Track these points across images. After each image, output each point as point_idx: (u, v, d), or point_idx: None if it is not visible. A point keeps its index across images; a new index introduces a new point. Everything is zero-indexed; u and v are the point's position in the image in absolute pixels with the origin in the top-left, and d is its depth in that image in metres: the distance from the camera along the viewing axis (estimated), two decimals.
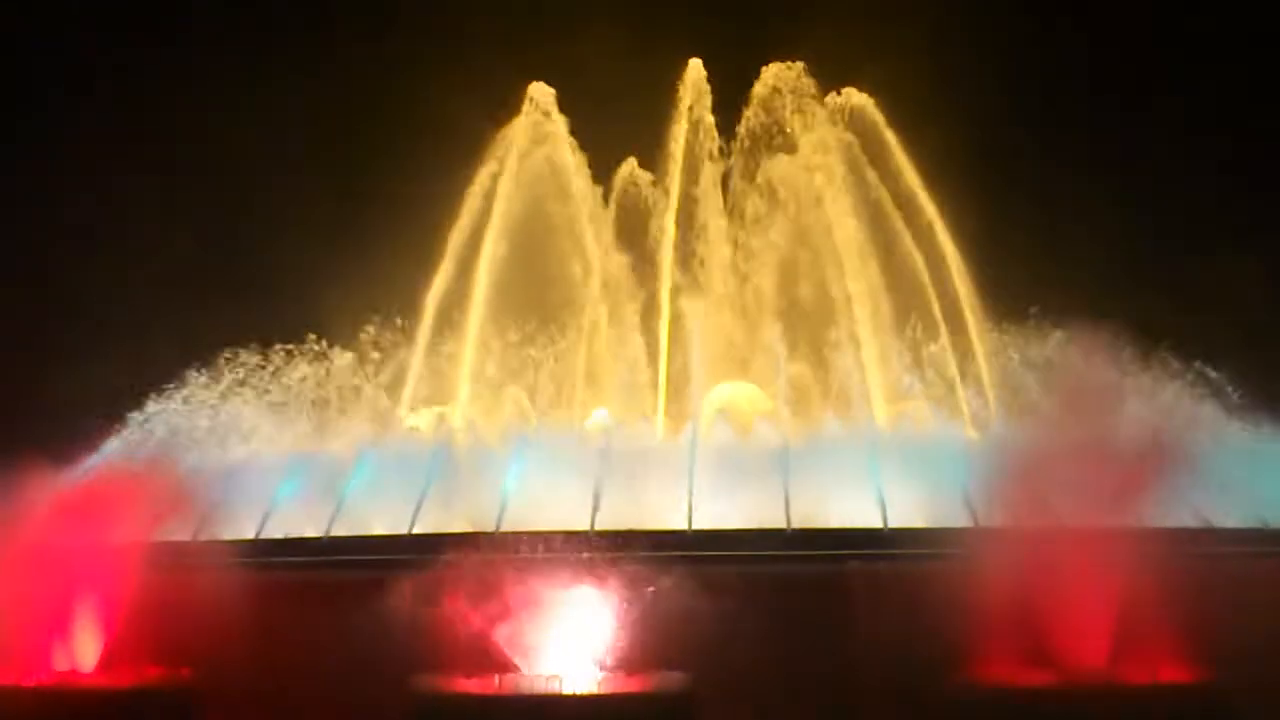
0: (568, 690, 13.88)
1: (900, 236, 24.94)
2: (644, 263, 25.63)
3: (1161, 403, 16.72)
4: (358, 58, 28.83)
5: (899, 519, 17.04)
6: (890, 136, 25.75)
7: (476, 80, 26.21)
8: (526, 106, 26.30)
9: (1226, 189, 27.13)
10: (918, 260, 24.71)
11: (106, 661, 15.10)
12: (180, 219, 27.93)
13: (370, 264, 24.69)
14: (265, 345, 21.95)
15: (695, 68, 26.79)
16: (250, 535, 16.14)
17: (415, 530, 15.76)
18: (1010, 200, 24.80)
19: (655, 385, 24.59)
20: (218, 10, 30.40)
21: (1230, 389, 19.15)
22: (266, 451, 19.55)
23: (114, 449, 18.22)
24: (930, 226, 25.12)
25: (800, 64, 26.63)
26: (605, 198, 26.33)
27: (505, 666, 14.08)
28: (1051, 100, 28.09)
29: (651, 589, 14.29)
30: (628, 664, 14.13)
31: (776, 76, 26.68)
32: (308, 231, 26.22)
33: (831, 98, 26.51)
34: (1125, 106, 28.35)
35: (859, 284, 24.47)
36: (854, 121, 26.12)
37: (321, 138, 28.38)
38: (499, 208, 25.92)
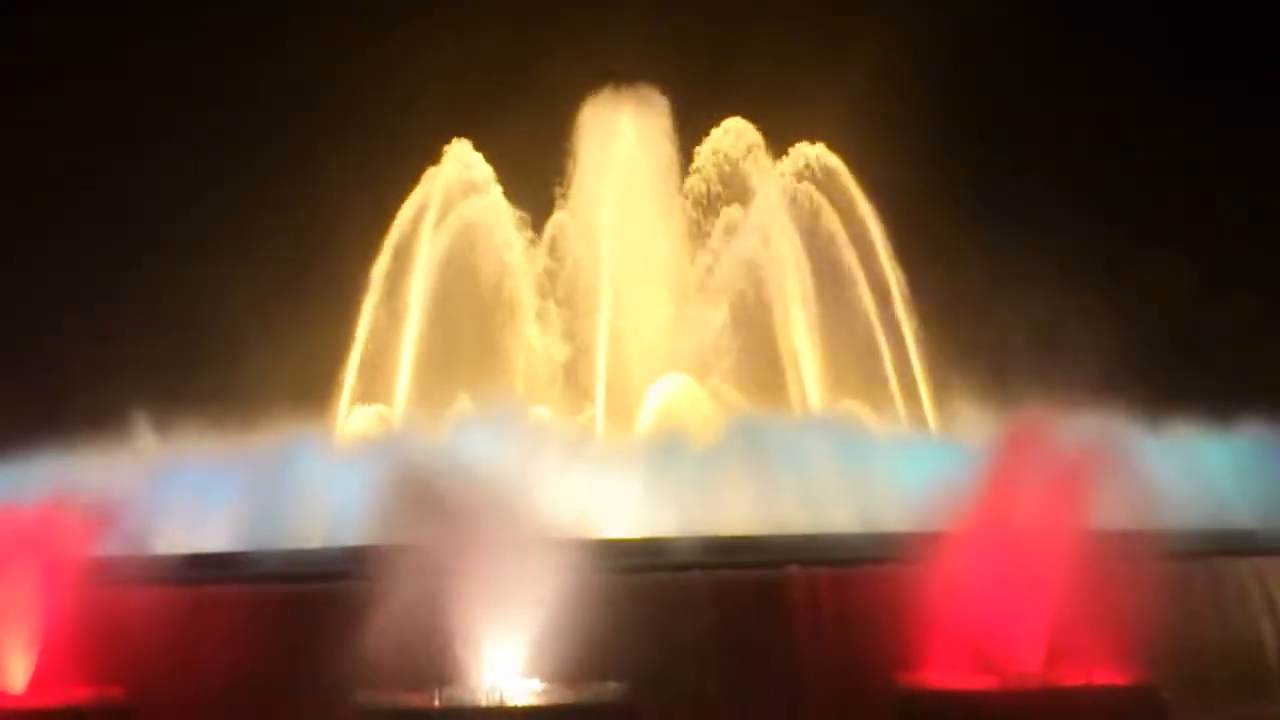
0: (508, 702, 14.29)
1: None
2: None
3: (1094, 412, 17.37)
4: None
5: (841, 522, 17.67)
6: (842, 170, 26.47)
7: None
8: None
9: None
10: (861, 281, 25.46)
11: (36, 682, 15.34)
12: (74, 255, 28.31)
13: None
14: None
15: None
16: (181, 548, 16.44)
17: (351, 542, 16.12)
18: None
19: (594, 384, 25.09)
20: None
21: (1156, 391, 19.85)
22: (196, 453, 19.86)
23: (44, 461, 18.48)
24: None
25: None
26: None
27: (445, 680, 14.46)
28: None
29: (591, 598, 14.70)
30: (566, 675, 14.56)
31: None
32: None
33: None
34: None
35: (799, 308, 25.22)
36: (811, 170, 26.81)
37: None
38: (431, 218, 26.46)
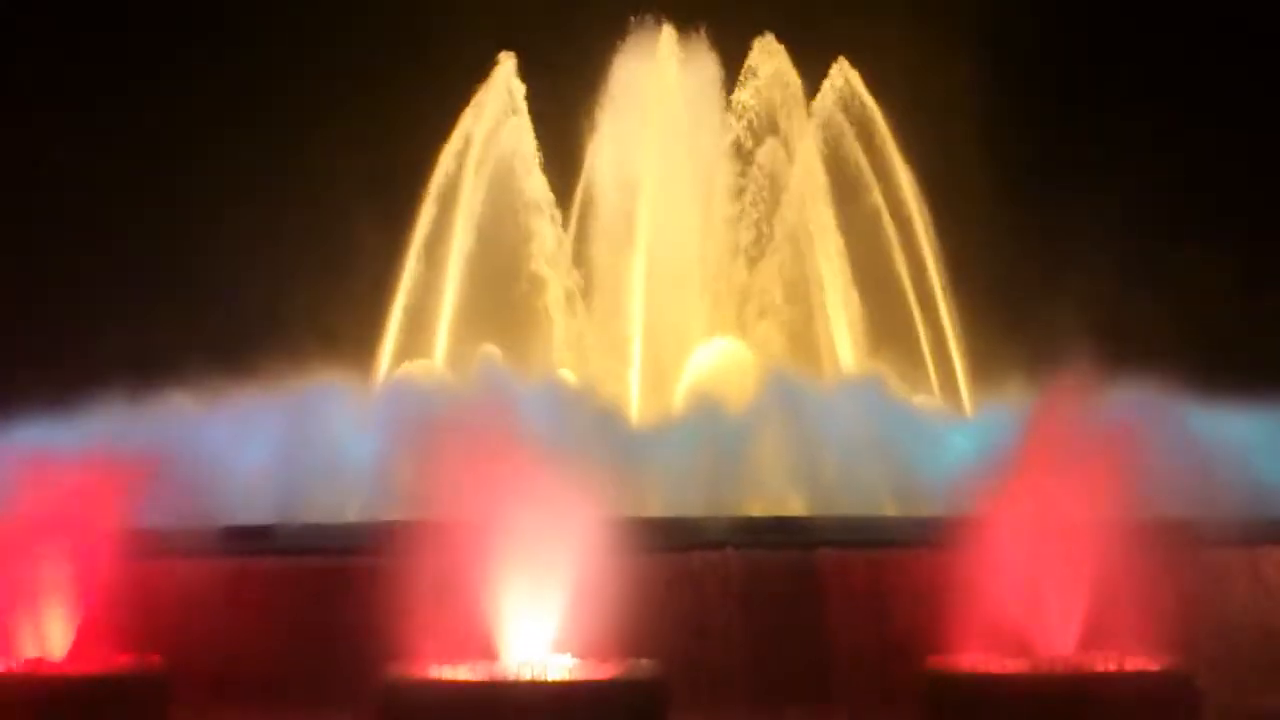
0: (539, 677, 14.61)
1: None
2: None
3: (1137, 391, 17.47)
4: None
5: (876, 501, 17.94)
6: (873, 107, 26.49)
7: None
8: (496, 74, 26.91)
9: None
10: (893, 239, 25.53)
11: (76, 649, 15.78)
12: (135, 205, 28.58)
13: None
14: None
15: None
16: (224, 519, 16.83)
17: (390, 517, 16.48)
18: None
19: (631, 348, 25.29)
20: None
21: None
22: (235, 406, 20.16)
23: (94, 424, 18.80)
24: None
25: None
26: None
27: (478, 654, 14.79)
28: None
29: (624, 576, 14.97)
30: (599, 652, 14.87)
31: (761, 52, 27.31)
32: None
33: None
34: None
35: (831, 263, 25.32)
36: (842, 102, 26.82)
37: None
38: (470, 173, 26.60)
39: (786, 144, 27.00)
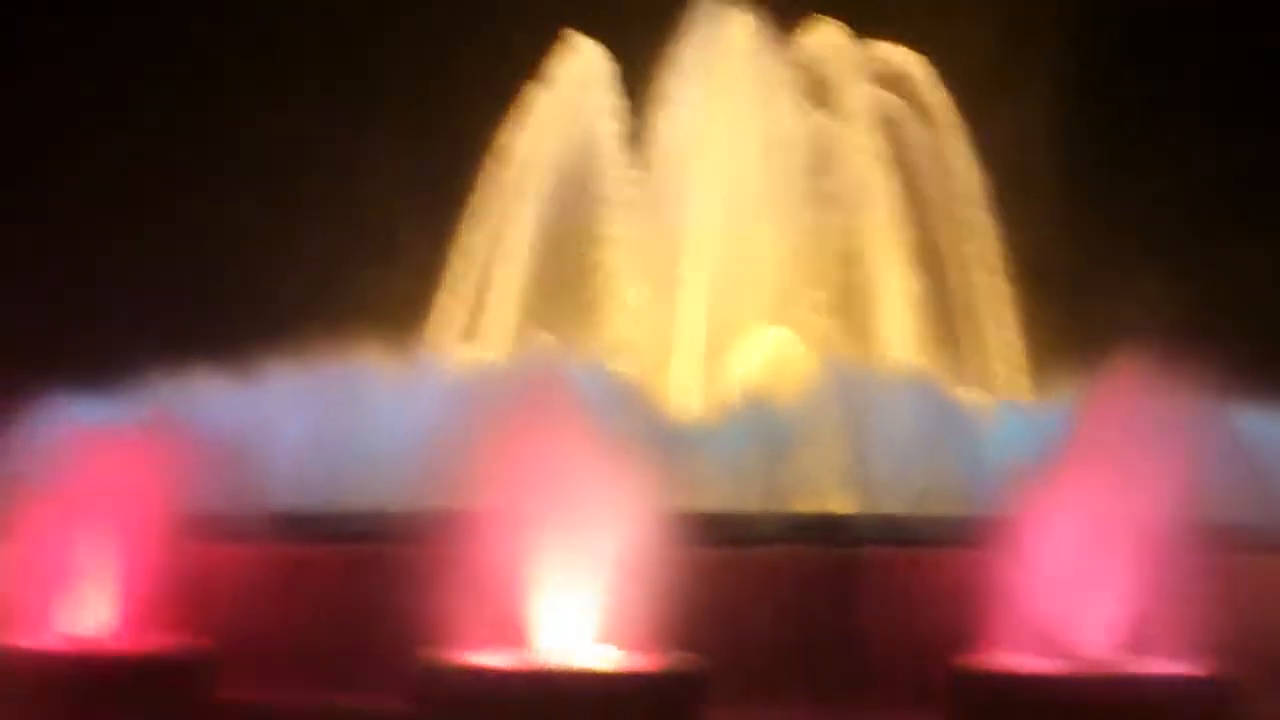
0: (577, 666, 14.86)
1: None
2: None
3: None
4: None
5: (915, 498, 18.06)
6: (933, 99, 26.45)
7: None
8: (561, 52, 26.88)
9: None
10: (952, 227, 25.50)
11: (124, 627, 16.19)
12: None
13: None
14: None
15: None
16: (267, 501, 17.19)
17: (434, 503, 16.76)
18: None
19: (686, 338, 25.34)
20: None
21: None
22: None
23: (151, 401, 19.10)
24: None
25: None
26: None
27: (515, 642, 15.05)
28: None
29: (667, 569, 15.19)
30: (638, 643, 15.10)
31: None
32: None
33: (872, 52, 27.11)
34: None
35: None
36: (896, 81, 26.79)
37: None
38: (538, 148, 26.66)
39: (848, 130, 26.99)
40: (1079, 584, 14.97)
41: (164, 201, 28.66)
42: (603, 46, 26.85)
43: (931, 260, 25.92)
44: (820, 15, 27.13)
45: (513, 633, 14.98)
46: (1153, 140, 27.88)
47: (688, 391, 24.07)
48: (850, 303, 25.60)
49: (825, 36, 27.25)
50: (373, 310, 23.78)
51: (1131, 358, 16.83)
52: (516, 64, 26.74)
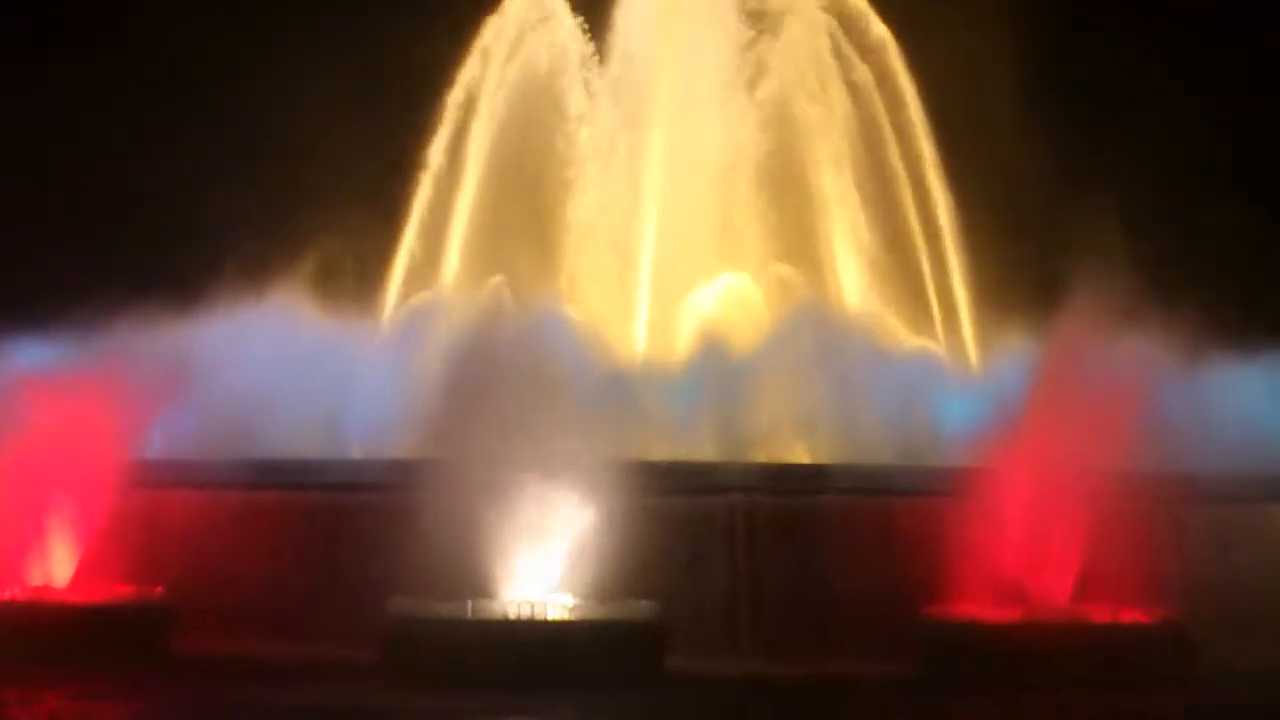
0: (538, 616, 15.05)
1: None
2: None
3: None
4: None
5: (873, 446, 18.29)
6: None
7: None
8: None
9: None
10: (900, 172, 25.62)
11: (79, 578, 16.23)
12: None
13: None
14: None
15: None
16: (230, 452, 17.20)
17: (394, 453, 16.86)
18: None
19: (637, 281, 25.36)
20: None
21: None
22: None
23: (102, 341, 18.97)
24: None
25: None
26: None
27: (478, 592, 15.22)
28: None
29: (625, 519, 15.37)
30: (599, 592, 15.30)
31: None
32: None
33: None
34: None
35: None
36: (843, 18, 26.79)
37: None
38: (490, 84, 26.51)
39: (804, 79, 27.03)
40: (1037, 533, 15.29)
41: (115, 138, 28.35)
42: None
43: (885, 204, 26.04)
44: None
45: (475, 582, 15.15)
46: (1115, 92, 28.01)
47: (645, 336, 24.14)
48: (805, 246, 25.71)
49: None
50: (326, 248, 23.63)
51: (1088, 310, 17.12)
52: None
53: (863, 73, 26.39)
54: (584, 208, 25.92)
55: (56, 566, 16.25)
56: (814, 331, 20.71)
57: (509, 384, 15.85)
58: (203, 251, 22.54)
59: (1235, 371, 19.61)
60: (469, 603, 15.05)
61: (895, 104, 26.48)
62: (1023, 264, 23.47)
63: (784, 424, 19.07)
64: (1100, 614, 15.17)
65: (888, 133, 26.34)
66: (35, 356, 18.45)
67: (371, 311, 23.68)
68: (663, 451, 17.99)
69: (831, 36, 26.64)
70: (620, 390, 18.65)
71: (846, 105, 26.19)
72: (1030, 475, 15.42)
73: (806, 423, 18.96)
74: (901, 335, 22.48)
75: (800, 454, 18.76)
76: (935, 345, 23.38)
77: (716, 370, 19.83)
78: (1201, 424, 17.07)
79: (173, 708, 13.80)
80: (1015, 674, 14.44)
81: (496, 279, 24.67)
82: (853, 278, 25.07)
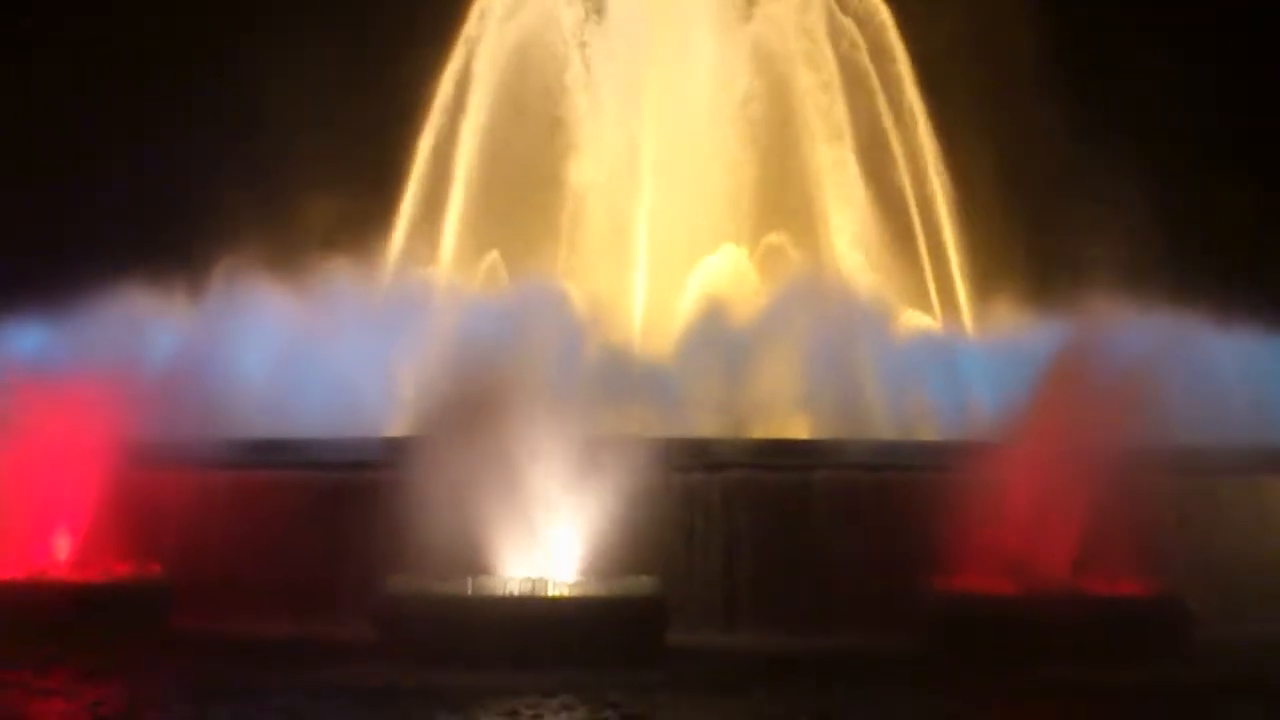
0: (538, 593, 15.13)
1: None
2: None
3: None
4: None
5: (871, 422, 18.39)
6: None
7: None
8: None
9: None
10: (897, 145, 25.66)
11: (78, 557, 16.34)
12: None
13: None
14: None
15: None
16: (225, 429, 17.26)
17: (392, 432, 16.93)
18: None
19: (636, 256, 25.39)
20: None
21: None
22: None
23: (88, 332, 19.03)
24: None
25: None
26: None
27: (478, 569, 15.30)
28: None
29: (626, 495, 15.46)
30: (599, 569, 15.39)
31: None
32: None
33: None
34: None
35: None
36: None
37: None
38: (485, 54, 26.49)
39: (798, 52, 27.04)
40: (1041, 509, 15.40)
41: (101, 119, 28.28)
42: None
43: (883, 181, 26.09)
44: None
45: (473, 560, 15.23)
46: (1112, 72, 27.95)
47: (643, 308, 24.17)
48: (804, 221, 25.75)
49: None
50: (322, 226, 23.64)
51: (1101, 293, 17.27)
52: None
53: (857, 41, 26.42)
54: (580, 175, 25.93)
55: (56, 545, 16.35)
56: (810, 305, 20.78)
57: (506, 375, 15.95)
58: (198, 228, 22.57)
59: (1237, 345, 19.69)
60: (469, 580, 15.13)
61: (890, 76, 26.52)
62: (1019, 234, 23.54)
63: (782, 399, 19.15)
64: (1097, 587, 15.30)
65: (882, 102, 26.39)
66: (32, 340, 18.58)
67: (369, 282, 23.62)
68: (661, 429, 18.06)
69: (826, 6, 26.67)
70: (617, 369, 18.71)
71: (840, 75, 26.21)
72: (1032, 450, 15.52)
73: (805, 398, 19.05)
74: (897, 307, 22.53)
75: (799, 429, 18.83)
76: (932, 321, 23.46)
77: (714, 346, 19.89)
78: (1213, 397, 17.18)
79: (176, 687, 13.87)
80: (1013, 646, 14.55)
81: (491, 255, 24.72)
82: (848, 248, 25.12)
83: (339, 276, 21.62)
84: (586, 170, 25.84)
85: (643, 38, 26.37)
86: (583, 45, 26.51)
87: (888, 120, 26.15)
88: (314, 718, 12.58)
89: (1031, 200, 24.32)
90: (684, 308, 22.66)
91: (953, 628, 15.18)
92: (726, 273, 24.45)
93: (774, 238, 25.24)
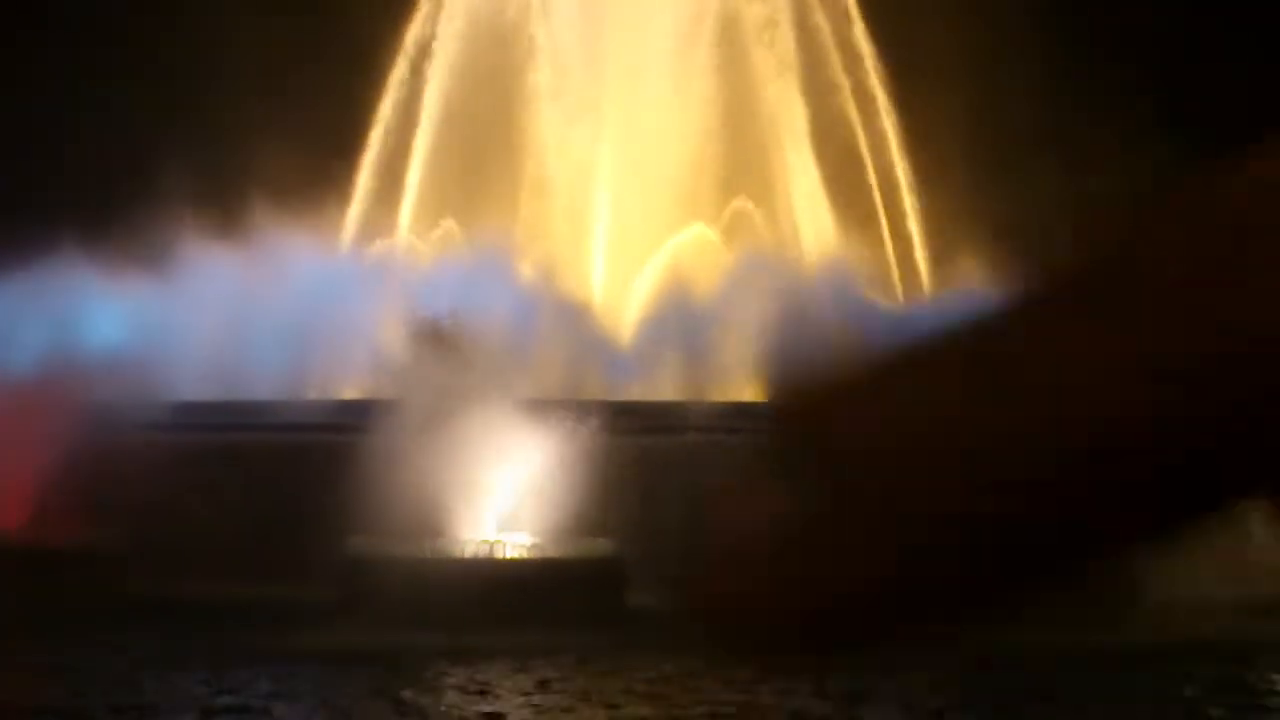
0: (496, 554, 15.27)
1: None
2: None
3: None
4: None
5: None
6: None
7: None
8: None
9: None
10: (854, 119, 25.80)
11: (35, 521, 16.36)
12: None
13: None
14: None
15: None
16: (182, 395, 17.32)
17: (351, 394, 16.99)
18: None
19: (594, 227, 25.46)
20: None
21: None
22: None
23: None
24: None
25: None
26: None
27: (436, 531, 15.42)
28: None
29: (582, 458, 15.60)
30: (558, 530, 15.53)
31: None
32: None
33: None
34: None
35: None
36: None
37: None
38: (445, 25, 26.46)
39: (759, 26, 27.12)
40: None
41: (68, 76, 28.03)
42: None
43: (839, 156, 26.24)
44: None
45: (433, 522, 15.34)
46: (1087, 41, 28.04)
47: (605, 284, 24.28)
48: (764, 193, 25.88)
49: None
50: (285, 188, 23.55)
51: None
52: None
53: (817, 15, 26.57)
54: (541, 149, 25.98)
55: (11, 509, 16.37)
56: (769, 278, 20.94)
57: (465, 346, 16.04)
58: (153, 195, 22.44)
59: None
60: (428, 542, 15.24)
61: (850, 51, 26.66)
62: (977, 200, 23.68)
63: (743, 366, 19.31)
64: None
65: (839, 70, 26.53)
66: None
67: (328, 250, 23.60)
68: (622, 393, 18.20)
69: None
70: (572, 332, 18.83)
71: (798, 50, 26.35)
72: None
73: (764, 363, 19.19)
74: (858, 277, 22.69)
75: (758, 393, 18.98)
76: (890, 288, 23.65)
77: (677, 318, 20.03)
78: None
79: (143, 652, 13.85)
80: None
81: (446, 223, 24.72)
82: (808, 218, 25.28)
83: (294, 242, 21.61)
84: (547, 131, 25.89)
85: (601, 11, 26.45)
86: (547, 13, 26.56)
87: (844, 85, 26.30)
88: (277, 681, 12.59)
89: (990, 164, 24.44)
90: (645, 280, 22.76)
91: None
92: (688, 246, 24.54)
93: (737, 202, 25.37)
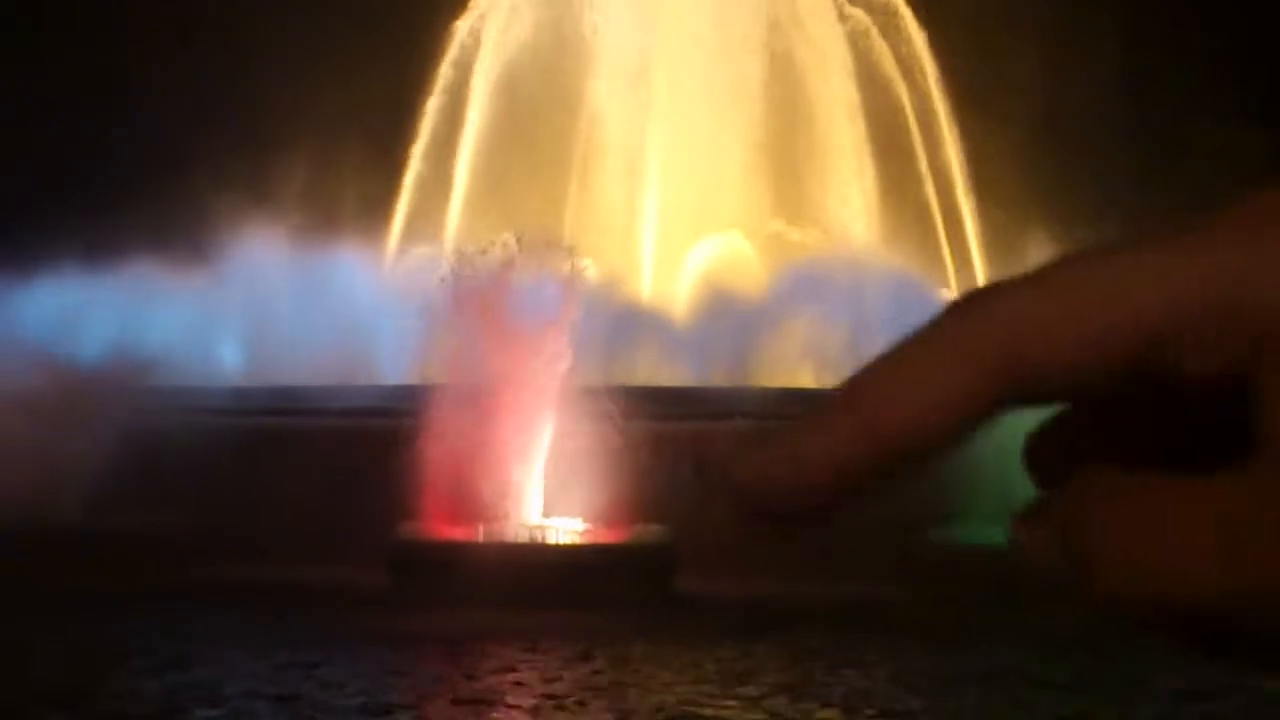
0: (549, 540, 15.44)
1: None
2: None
3: None
4: None
5: None
6: None
7: None
8: None
9: None
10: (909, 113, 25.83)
11: (98, 506, 16.64)
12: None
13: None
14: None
15: None
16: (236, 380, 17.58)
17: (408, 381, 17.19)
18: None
19: (640, 234, 25.61)
20: None
21: None
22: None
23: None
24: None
25: None
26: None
27: (487, 516, 15.61)
28: None
29: (633, 444, 15.74)
30: (608, 517, 15.68)
31: None
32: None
33: None
34: None
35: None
36: None
37: None
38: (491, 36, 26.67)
39: (810, 31, 27.17)
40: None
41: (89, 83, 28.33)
42: None
43: (892, 152, 26.26)
44: None
45: (487, 507, 15.53)
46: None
47: (655, 269, 24.38)
48: (811, 194, 25.94)
49: None
50: (329, 197, 23.87)
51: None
52: None
53: (865, 20, 26.63)
54: (592, 147, 26.13)
55: (74, 493, 16.66)
56: (825, 271, 21.06)
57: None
58: (195, 192, 22.73)
59: None
60: (480, 527, 15.43)
61: (908, 61, 26.69)
62: (1036, 204, 23.62)
63: (793, 354, 19.43)
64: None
65: (896, 74, 26.56)
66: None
67: (376, 248, 23.86)
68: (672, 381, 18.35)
69: None
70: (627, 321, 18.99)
71: (848, 52, 26.40)
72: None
73: (815, 351, 19.31)
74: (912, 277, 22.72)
75: (807, 380, 19.12)
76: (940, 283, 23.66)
77: (729, 309, 20.17)
78: None
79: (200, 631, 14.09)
80: None
81: (505, 237, 24.88)
82: (860, 224, 25.31)
83: (345, 247, 21.90)
84: (598, 142, 26.04)
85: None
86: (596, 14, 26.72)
87: (902, 91, 26.33)
88: (329, 663, 12.75)
89: (1049, 166, 24.40)
90: (688, 281, 22.88)
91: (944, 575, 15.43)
92: (729, 255, 24.61)
93: (775, 223, 25.39)
